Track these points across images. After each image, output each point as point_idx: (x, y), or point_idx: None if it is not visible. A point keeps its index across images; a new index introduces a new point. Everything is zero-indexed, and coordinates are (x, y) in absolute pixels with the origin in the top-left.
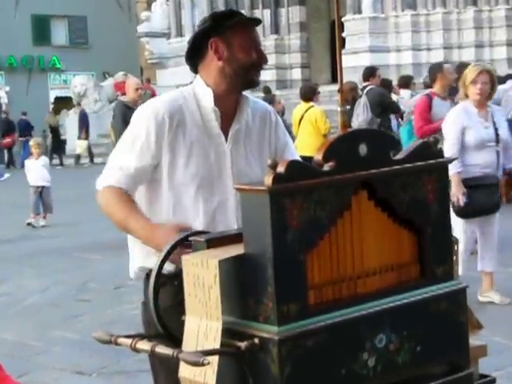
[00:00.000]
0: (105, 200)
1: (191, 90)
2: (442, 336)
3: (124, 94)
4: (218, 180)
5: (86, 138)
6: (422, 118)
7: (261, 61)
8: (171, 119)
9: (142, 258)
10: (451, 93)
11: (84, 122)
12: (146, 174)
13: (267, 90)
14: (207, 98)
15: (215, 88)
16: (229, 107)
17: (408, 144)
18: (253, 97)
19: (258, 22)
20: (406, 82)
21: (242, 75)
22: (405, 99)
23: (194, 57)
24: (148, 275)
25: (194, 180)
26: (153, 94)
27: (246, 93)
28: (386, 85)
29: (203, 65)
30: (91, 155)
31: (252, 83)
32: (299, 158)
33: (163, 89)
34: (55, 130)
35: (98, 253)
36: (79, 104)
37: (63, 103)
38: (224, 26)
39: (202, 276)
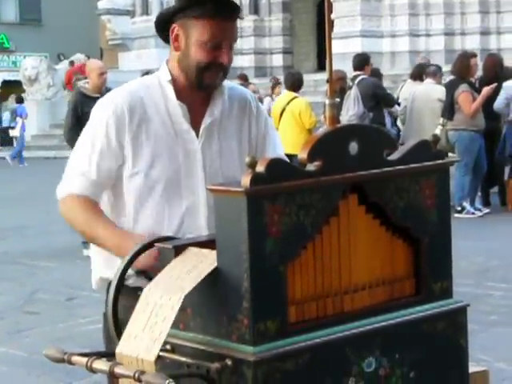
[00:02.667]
0: (67, 209)
1: (156, 78)
2: (439, 360)
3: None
4: (186, 182)
5: None
6: None
7: (217, 62)
8: (131, 113)
9: (103, 267)
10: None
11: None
12: (110, 177)
13: (244, 78)
14: (170, 92)
15: (177, 78)
16: (199, 99)
17: None
18: (230, 82)
19: (230, 12)
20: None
21: (194, 75)
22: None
23: (164, 32)
24: (110, 285)
25: (158, 183)
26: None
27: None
28: (376, 75)
29: (170, 49)
30: None
31: (203, 86)
32: (283, 155)
33: (126, 74)
34: None
35: (49, 260)
36: None
37: (12, 88)
38: (189, 13)
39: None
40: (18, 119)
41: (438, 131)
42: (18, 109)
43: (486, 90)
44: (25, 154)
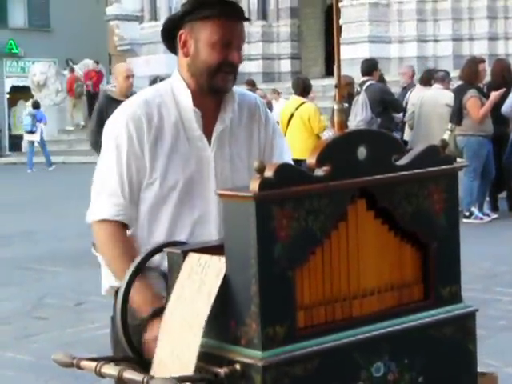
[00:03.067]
0: (99, 241)
1: (169, 85)
2: (448, 365)
3: (97, 84)
4: (199, 190)
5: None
6: None
7: (228, 61)
8: (149, 122)
9: (112, 276)
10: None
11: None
12: (138, 190)
13: (251, 83)
14: (186, 97)
15: (189, 84)
16: (211, 105)
17: None
18: (240, 89)
19: (236, 13)
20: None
21: (206, 78)
22: None
23: (171, 41)
24: (117, 292)
25: (172, 192)
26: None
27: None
28: (380, 81)
29: (178, 57)
30: None
31: (215, 89)
32: (291, 162)
33: (135, 80)
34: None
35: (57, 264)
36: None
37: (20, 93)
38: (196, 16)
39: (205, 272)
40: (38, 124)
41: (446, 136)
42: (37, 114)
43: (494, 95)
44: (34, 159)
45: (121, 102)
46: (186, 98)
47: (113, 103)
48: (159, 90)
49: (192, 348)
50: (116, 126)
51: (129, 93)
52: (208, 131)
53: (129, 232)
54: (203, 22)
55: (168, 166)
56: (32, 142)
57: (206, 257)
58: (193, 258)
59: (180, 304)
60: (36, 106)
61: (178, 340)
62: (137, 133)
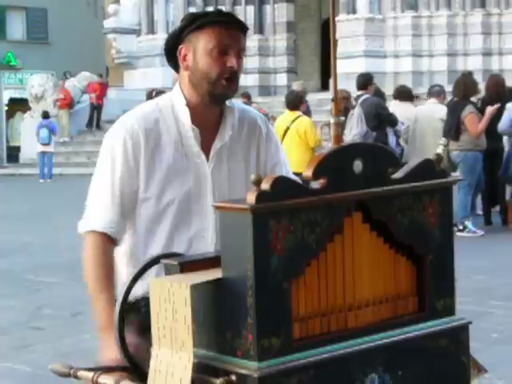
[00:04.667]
0: (85, 253)
1: (168, 100)
2: (441, 377)
3: (100, 97)
4: (196, 206)
5: None
6: None
7: (226, 67)
8: (147, 137)
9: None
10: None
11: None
12: (132, 203)
13: (247, 96)
14: (184, 113)
15: (190, 99)
16: (210, 121)
17: None
18: (241, 104)
19: (232, 21)
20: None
21: (206, 88)
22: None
23: (174, 59)
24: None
25: (169, 208)
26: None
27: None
28: (378, 94)
29: (180, 72)
30: None
31: (217, 97)
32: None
33: (131, 93)
34: None
35: (54, 275)
36: None
37: (18, 105)
38: (193, 28)
39: (172, 300)
40: (52, 136)
41: (439, 151)
42: (51, 126)
43: (490, 110)
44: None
45: None
46: (184, 115)
47: None
48: (159, 104)
49: (184, 381)
50: (113, 139)
51: None
52: (207, 147)
53: (124, 246)
54: (199, 32)
55: (165, 182)
56: (44, 153)
57: (167, 284)
58: (156, 286)
59: (167, 331)
60: (46, 115)
61: (170, 372)
62: (133, 147)
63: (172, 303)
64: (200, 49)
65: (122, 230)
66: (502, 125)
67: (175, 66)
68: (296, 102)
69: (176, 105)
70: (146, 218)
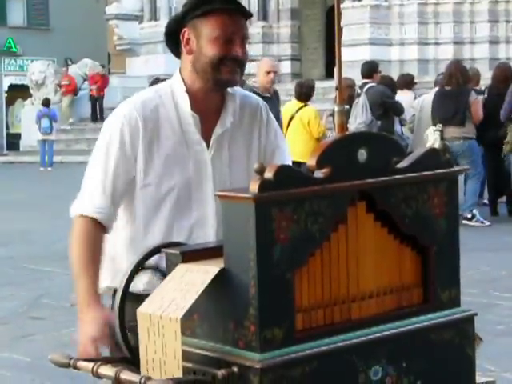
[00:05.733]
0: (73, 234)
1: (168, 87)
2: (446, 369)
3: (101, 88)
4: (196, 193)
5: None
6: None
7: (231, 55)
8: (145, 124)
9: (110, 277)
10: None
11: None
12: (126, 189)
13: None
14: (184, 100)
15: (191, 85)
16: (211, 107)
17: None
18: (242, 90)
19: (238, 9)
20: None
21: (211, 73)
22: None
23: (175, 43)
24: (115, 292)
25: (169, 195)
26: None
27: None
28: (386, 83)
29: (182, 57)
30: None
31: (221, 83)
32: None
33: (133, 80)
34: None
35: (54, 264)
36: None
37: (18, 92)
38: (197, 13)
39: (162, 333)
40: (54, 124)
41: (436, 136)
42: (51, 114)
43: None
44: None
45: (265, 97)
46: (184, 102)
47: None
48: (158, 91)
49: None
50: (110, 125)
51: (271, 89)
52: (207, 133)
53: (123, 234)
54: (204, 18)
55: (164, 169)
56: (45, 141)
57: (157, 317)
58: (144, 318)
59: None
60: (47, 103)
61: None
62: (130, 134)
63: (161, 336)
64: (204, 35)
65: (112, 217)
66: (503, 111)
67: (175, 51)
68: (310, 94)
69: (176, 91)
70: (146, 205)
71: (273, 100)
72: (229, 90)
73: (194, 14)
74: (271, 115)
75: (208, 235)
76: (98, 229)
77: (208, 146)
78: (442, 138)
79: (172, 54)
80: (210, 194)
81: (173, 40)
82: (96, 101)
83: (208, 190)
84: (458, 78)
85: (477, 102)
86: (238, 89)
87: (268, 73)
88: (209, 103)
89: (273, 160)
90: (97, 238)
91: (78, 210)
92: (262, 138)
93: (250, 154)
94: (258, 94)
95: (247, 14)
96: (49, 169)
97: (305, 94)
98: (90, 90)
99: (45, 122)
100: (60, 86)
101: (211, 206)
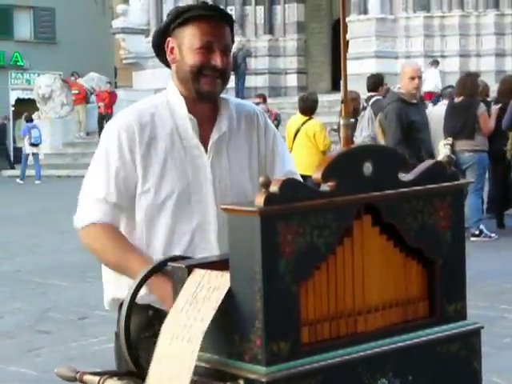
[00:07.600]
0: (92, 240)
1: (164, 97)
2: (452, 383)
3: (109, 106)
4: (196, 198)
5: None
6: None
7: (210, 64)
8: (141, 130)
9: (115, 288)
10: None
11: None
12: (128, 196)
13: (263, 98)
14: (180, 105)
15: (182, 93)
16: (206, 113)
17: None
18: (237, 99)
19: (218, 16)
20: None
21: (192, 83)
22: None
23: (163, 54)
24: (121, 305)
25: (168, 200)
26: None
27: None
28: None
29: (171, 67)
30: None
31: (201, 95)
32: (293, 169)
33: (140, 93)
34: None
35: (60, 278)
36: None
37: (25, 106)
38: (178, 22)
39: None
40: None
41: (447, 150)
42: (37, 127)
43: (495, 109)
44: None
45: (413, 104)
46: (180, 106)
47: (407, 107)
48: (154, 100)
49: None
50: (108, 134)
51: (417, 95)
52: (205, 139)
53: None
54: (185, 26)
55: (162, 175)
56: (37, 154)
57: (201, 272)
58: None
59: (180, 314)
60: (30, 119)
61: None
62: (128, 141)
63: (207, 290)
64: (185, 43)
65: (118, 222)
66: (505, 120)
67: (165, 62)
68: (313, 107)
69: (171, 99)
70: (146, 211)
71: (419, 107)
72: (222, 96)
73: (175, 22)
74: (268, 120)
75: (210, 240)
76: (113, 227)
77: (206, 151)
78: (453, 152)
79: (164, 64)
80: (211, 199)
81: (161, 51)
82: (103, 119)
83: (208, 194)
84: (464, 90)
85: (485, 116)
86: (231, 98)
87: (412, 78)
88: (202, 110)
89: (273, 163)
90: (119, 233)
91: (85, 221)
92: (261, 142)
93: (250, 159)
94: (404, 101)
95: (230, 21)
96: (37, 182)
97: (309, 108)
98: (98, 107)
99: (35, 132)
100: (72, 95)
101: (212, 210)
